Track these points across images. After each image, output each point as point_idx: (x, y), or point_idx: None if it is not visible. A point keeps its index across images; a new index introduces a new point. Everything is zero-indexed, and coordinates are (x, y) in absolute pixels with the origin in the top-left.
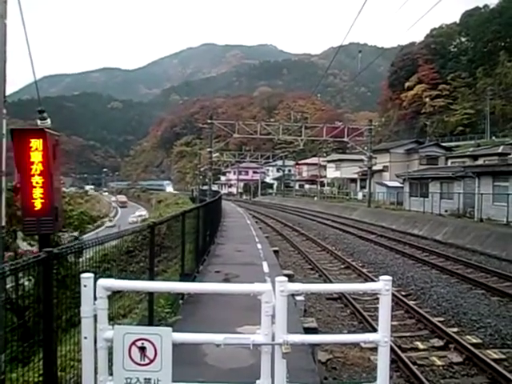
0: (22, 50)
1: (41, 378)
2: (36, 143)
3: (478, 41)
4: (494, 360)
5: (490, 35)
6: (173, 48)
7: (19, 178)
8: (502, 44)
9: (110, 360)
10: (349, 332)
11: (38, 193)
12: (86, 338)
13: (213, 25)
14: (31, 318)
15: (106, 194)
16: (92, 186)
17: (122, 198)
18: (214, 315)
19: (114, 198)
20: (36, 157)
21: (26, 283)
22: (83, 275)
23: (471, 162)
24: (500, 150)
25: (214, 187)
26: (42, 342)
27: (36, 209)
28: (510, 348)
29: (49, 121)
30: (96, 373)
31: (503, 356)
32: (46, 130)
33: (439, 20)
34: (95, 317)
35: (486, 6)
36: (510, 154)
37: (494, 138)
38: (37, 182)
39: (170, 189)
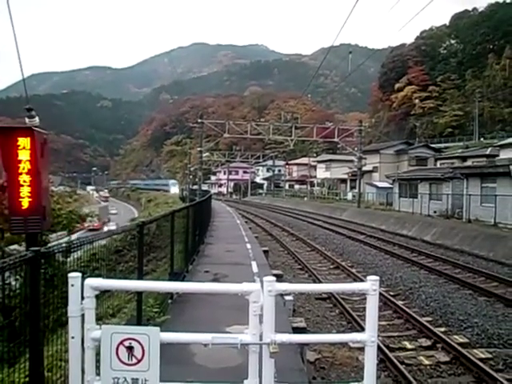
0: (10, 48)
1: (27, 379)
2: (24, 141)
3: (467, 43)
4: (481, 359)
5: (479, 38)
6: (163, 47)
7: (6, 177)
8: (491, 47)
9: (98, 360)
10: (337, 332)
11: (25, 191)
12: (73, 337)
13: (204, 24)
14: (18, 317)
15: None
16: (93, 187)
17: (105, 193)
18: (203, 315)
19: (96, 195)
20: (24, 155)
21: (13, 282)
22: (70, 274)
23: (460, 164)
24: (488, 151)
25: (204, 187)
26: (28, 341)
27: (23, 208)
28: (497, 347)
29: (37, 119)
30: (83, 373)
31: (489, 355)
32: (34, 128)
33: (429, 22)
34: (83, 316)
35: (475, 9)
36: (497, 155)
37: (482, 139)
38: (24, 181)
39: (175, 189)
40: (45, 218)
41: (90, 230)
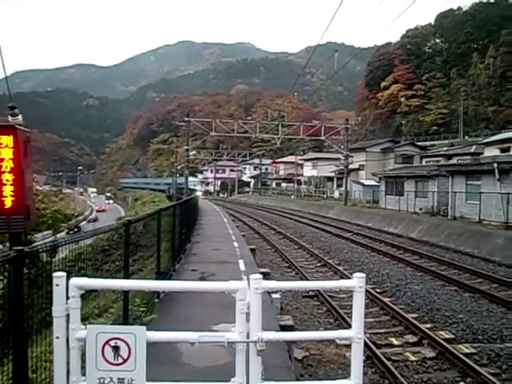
0: None
1: (11, 381)
2: (6, 140)
3: (452, 42)
4: (466, 354)
5: (464, 37)
6: (149, 45)
7: None
8: (475, 46)
9: (83, 360)
10: (325, 329)
11: (8, 190)
12: (57, 338)
13: (190, 22)
14: (2, 318)
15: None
16: (95, 189)
17: (81, 189)
18: (190, 314)
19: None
20: (6, 154)
21: None
22: (55, 274)
23: (445, 161)
24: (473, 149)
25: (191, 185)
26: (11, 343)
27: (6, 207)
28: (481, 342)
29: (20, 117)
30: (68, 373)
31: (474, 350)
32: (17, 126)
33: (414, 21)
34: (68, 316)
35: (459, 8)
36: (482, 153)
37: (467, 137)
38: (7, 180)
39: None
40: (28, 218)
41: (98, 211)
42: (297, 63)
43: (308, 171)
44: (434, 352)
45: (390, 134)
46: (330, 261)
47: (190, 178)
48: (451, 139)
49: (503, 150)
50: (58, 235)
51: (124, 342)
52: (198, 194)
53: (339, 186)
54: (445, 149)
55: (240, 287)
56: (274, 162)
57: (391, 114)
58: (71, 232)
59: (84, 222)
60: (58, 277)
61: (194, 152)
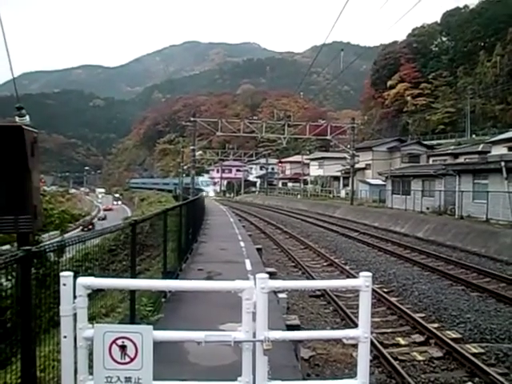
0: (0, 46)
1: (19, 380)
2: (13, 140)
3: (459, 40)
4: (473, 354)
5: (470, 35)
6: (155, 45)
7: None
8: (482, 44)
9: (91, 359)
10: (331, 329)
11: (15, 191)
12: (65, 337)
13: (196, 22)
14: (11, 318)
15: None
16: (103, 190)
17: (87, 190)
18: (197, 313)
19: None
20: (13, 154)
21: (5, 283)
22: (62, 274)
23: (452, 160)
24: (480, 148)
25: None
26: (20, 342)
27: (14, 207)
28: (489, 342)
29: (27, 118)
30: (76, 372)
31: (482, 350)
32: (24, 126)
33: (420, 20)
34: (75, 316)
35: (466, 6)
36: (489, 152)
37: (474, 136)
38: (14, 180)
39: (211, 193)
40: (36, 218)
41: (105, 210)
42: (302, 63)
43: (314, 171)
44: (441, 352)
45: (397, 133)
46: (336, 260)
47: (202, 178)
48: (458, 138)
49: (511, 149)
50: (74, 231)
51: (131, 341)
52: (211, 194)
53: (345, 185)
54: (452, 148)
55: (246, 287)
56: (280, 162)
57: (397, 113)
58: (86, 229)
59: (94, 220)
60: (66, 276)
61: (200, 152)
